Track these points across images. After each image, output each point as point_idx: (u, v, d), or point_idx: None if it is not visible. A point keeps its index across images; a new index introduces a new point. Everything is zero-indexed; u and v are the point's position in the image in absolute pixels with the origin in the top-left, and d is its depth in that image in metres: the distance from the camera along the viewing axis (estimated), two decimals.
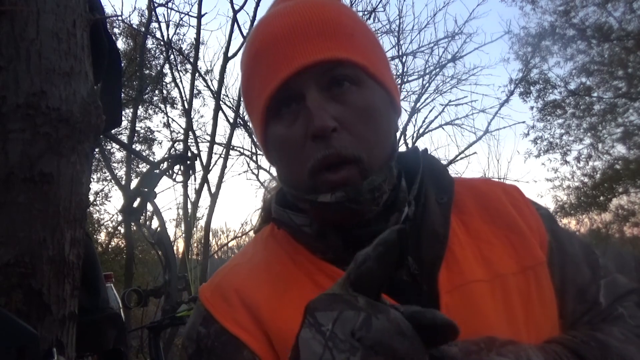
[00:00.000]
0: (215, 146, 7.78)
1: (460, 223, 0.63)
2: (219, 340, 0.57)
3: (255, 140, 7.38)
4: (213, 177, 7.85)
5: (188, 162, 2.20)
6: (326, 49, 0.56)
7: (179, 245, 7.96)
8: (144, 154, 8.99)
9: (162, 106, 8.94)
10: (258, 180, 7.82)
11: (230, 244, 10.85)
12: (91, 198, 8.83)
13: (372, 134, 0.57)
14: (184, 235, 7.63)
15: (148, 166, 2.41)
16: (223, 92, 7.60)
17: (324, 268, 0.59)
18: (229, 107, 7.68)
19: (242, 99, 0.69)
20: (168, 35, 7.96)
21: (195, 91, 7.99)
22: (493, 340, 0.51)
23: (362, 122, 0.57)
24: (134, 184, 6.37)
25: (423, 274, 0.58)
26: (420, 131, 8.72)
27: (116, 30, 8.07)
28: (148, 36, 8.13)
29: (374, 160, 0.57)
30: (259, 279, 0.61)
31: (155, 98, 9.08)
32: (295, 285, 0.59)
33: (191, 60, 7.90)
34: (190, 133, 7.90)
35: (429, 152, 0.68)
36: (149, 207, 2.07)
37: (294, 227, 0.62)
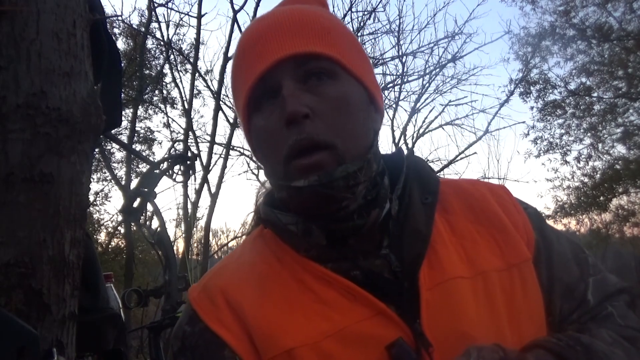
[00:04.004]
0: (215, 146, 7.79)
1: (445, 222, 0.64)
2: (202, 339, 0.59)
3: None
4: (213, 177, 7.86)
5: (188, 162, 2.20)
6: (300, 44, 0.59)
7: (179, 245, 7.96)
8: (144, 154, 8.99)
9: (162, 106, 8.95)
10: (258, 180, 7.82)
11: (230, 244, 10.85)
12: (91, 198, 8.82)
13: (346, 125, 0.58)
14: (184, 235, 7.63)
15: (148, 166, 2.41)
16: (223, 92, 7.59)
17: (309, 267, 0.60)
18: (229, 107, 7.68)
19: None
20: (168, 35, 7.97)
21: (195, 91, 8.00)
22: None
23: (337, 112, 0.58)
24: (134, 184, 6.37)
25: (404, 271, 0.59)
26: (420, 131, 8.71)
27: (116, 30, 8.07)
28: (148, 36, 8.14)
29: (348, 149, 0.57)
30: (244, 279, 0.62)
31: (155, 98, 9.09)
32: (278, 285, 0.60)
33: (191, 60, 7.90)
34: (190, 133, 7.91)
35: (414, 154, 0.70)
36: (149, 207, 2.07)
37: (280, 225, 0.63)
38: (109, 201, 10.08)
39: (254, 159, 7.79)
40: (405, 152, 0.71)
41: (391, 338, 0.53)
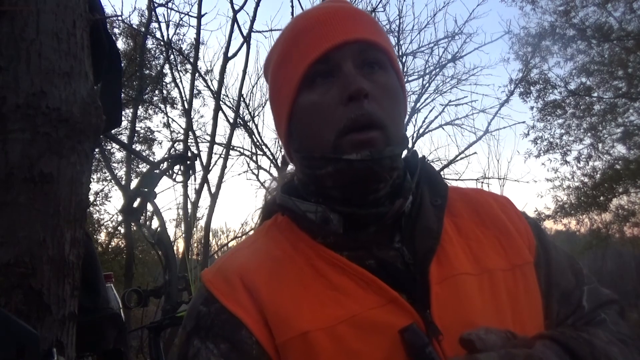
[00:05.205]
0: (215, 146, 7.78)
1: (452, 224, 0.68)
2: (218, 319, 0.60)
3: (256, 136, 7.42)
4: (213, 177, 7.84)
5: (188, 162, 2.20)
6: (365, 32, 0.64)
7: (179, 245, 7.95)
8: (144, 154, 8.98)
9: (162, 106, 8.93)
10: (258, 180, 7.81)
11: (230, 244, 10.84)
12: (91, 198, 8.81)
13: (393, 111, 0.63)
14: (184, 235, 7.62)
15: (148, 166, 2.41)
16: (223, 92, 7.57)
17: (323, 254, 0.62)
18: (229, 107, 7.67)
19: (267, 82, 0.75)
20: (168, 35, 7.94)
21: (195, 91, 7.98)
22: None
23: (387, 99, 0.62)
24: (134, 184, 6.37)
25: (416, 265, 0.62)
26: (420, 131, 8.69)
27: (116, 30, 8.05)
28: (148, 36, 8.13)
29: (394, 133, 0.62)
30: (259, 263, 0.64)
31: (155, 98, 9.07)
32: (293, 271, 0.62)
33: (191, 60, 7.89)
34: (190, 133, 7.89)
35: (426, 159, 0.74)
36: (149, 207, 2.07)
37: (298, 212, 0.65)
38: (109, 201, 10.04)
39: (254, 159, 7.82)
40: (415, 154, 0.75)
41: (402, 325, 0.55)
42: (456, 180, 8.19)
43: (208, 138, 7.97)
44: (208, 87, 7.80)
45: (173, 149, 8.63)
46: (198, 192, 7.46)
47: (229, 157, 7.70)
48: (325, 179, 0.63)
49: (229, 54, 7.47)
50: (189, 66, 8.09)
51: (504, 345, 0.52)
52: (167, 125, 9.01)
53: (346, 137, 0.60)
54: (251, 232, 0.77)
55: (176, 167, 2.18)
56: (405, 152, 0.73)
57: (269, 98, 0.73)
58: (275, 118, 0.71)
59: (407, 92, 0.72)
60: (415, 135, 8.63)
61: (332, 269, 0.61)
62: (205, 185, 7.59)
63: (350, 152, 0.59)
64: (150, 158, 8.03)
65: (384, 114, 0.61)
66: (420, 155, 0.73)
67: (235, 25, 7.09)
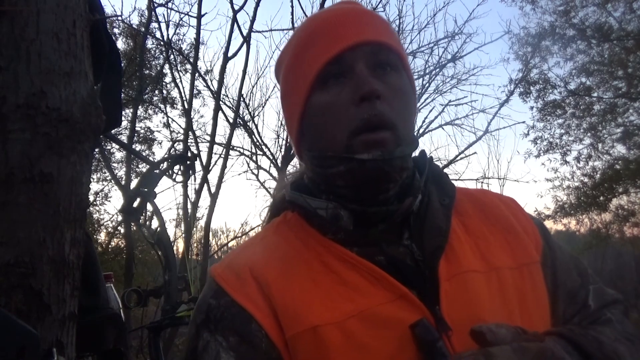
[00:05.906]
0: (215, 146, 7.78)
1: (460, 223, 0.68)
2: (228, 312, 0.60)
3: (255, 136, 7.42)
4: (213, 177, 7.84)
5: (188, 162, 2.20)
6: (377, 34, 0.64)
7: (179, 245, 7.95)
8: (144, 154, 8.98)
9: (162, 106, 8.93)
10: (258, 180, 7.81)
11: (230, 244, 10.83)
12: (91, 198, 8.81)
13: (404, 113, 0.64)
14: (184, 235, 7.62)
15: (148, 166, 2.41)
16: (223, 92, 7.57)
17: (333, 250, 0.63)
18: (229, 107, 7.66)
19: (278, 82, 0.76)
20: (168, 35, 7.94)
21: (195, 91, 7.98)
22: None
23: (398, 100, 0.63)
24: (134, 184, 6.36)
25: (425, 262, 0.62)
26: (420, 131, 8.68)
27: (116, 30, 8.05)
28: (148, 36, 8.12)
29: (404, 134, 0.62)
30: (269, 258, 0.64)
31: (155, 98, 9.07)
32: (303, 265, 0.62)
33: (191, 60, 7.89)
34: (190, 133, 7.89)
35: (433, 160, 0.74)
36: (149, 207, 2.07)
37: (309, 209, 0.66)
38: (109, 201, 10.05)
39: (254, 159, 7.82)
40: (424, 154, 0.75)
41: (412, 320, 0.55)
42: (456, 180, 8.19)
43: (208, 138, 7.97)
44: (208, 87, 7.80)
45: (173, 149, 8.62)
46: (198, 192, 7.46)
47: (229, 157, 7.70)
48: (336, 178, 0.64)
49: (229, 54, 7.48)
50: (189, 66, 8.08)
51: (514, 339, 0.52)
52: (167, 125, 9.01)
53: (358, 137, 0.60)
54: (251, 232, 0.77)
55: (176, 167, 2.18)
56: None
57: (280, 98, 0.74)
58: (287, 117, 0.72)
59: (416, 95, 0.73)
60: (415, 135, 8.61)
61: (342, 265, 0.61)
62: (205, 185, 7.59)
63: (361, 152, 0.60)
64: (150, 158, 8.03)
65: (395, 114, 0.61)
66: (428, 157, 0.74)
67: (235, 25, 7.10)
